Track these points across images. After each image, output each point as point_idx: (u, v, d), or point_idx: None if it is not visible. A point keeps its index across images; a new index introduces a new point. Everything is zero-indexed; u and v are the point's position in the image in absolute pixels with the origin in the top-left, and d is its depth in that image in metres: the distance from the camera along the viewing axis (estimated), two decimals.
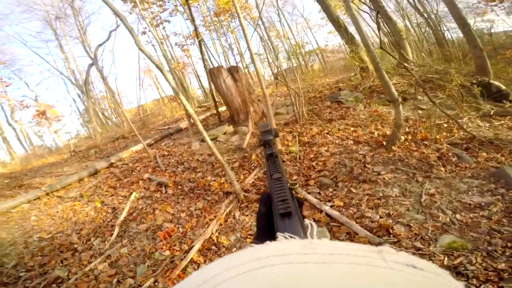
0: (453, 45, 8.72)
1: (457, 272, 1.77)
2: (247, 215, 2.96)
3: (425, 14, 9.34)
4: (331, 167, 3.41)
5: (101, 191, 4.47)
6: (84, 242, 3.29)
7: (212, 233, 2.83)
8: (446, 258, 1.90)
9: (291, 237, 0.28)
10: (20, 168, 7.82)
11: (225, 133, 4.96)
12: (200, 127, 2.72)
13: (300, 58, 15.71)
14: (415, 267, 0.18)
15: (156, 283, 2.51)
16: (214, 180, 3.68)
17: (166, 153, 5.14)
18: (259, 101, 5.77)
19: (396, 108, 3.52)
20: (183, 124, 6.70)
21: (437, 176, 2.99)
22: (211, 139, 4.97)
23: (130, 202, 3.84)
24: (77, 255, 3.07)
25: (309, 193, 2.99)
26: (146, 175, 4.42)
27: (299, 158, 3.73)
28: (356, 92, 5.83)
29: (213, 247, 2.70)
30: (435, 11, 9.22)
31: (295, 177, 3.33)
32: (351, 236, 2.38)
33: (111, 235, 3.26)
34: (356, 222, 2.49)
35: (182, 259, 2.61)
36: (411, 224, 2.33)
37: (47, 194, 4.50)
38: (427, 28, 9.69)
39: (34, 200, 4.42)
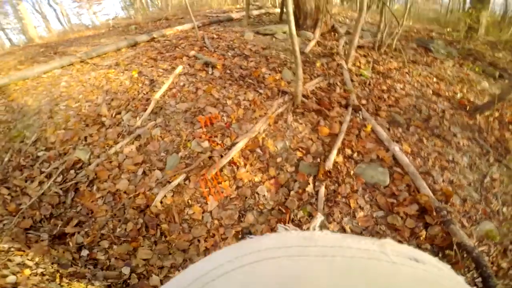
0: None
1: None
2: (301, 123, 2.64)
3: None
4: (404, 107, 2.98)
5: (140, 61, 3.94)
6: (114, 115, 2.81)
7: (258, 133, 2.51)
8: (477, 243, 1.98)
9: (293, 228, 0.18)
10: (57, 39, 7.29)
11: (284, 32, 4.27)
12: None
13: None
14: (417, 260, 0.18)
15: (187, 182, 2.12)
16: (269, 74, 3.25)
17: (215, 36, 4.55)
18: (331, 17, 4.83)
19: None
20: (235, 15, 5.88)
21: (507, 164, 2.77)
22: (268, 34, 4.33)
23: (173, 76, 3.36)
24: (103, 131, 2.64)
25: (379, 124, 2.62)
26: (192, 52, 3.99)
27: (369, 84, 3.27)
28: (450, 47, 4.87)
29: (258, 150, 2.39)
30: None
31: (363, 102, 2.90)
32: (410, 190, 2.17)
33: (145, 110, 2.77)
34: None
35: (222, 156, 2.24)
36: (467, 200, 2.24)
37: (82, 61, 4.03)
38: None
39: (67, 66, 3.93)
